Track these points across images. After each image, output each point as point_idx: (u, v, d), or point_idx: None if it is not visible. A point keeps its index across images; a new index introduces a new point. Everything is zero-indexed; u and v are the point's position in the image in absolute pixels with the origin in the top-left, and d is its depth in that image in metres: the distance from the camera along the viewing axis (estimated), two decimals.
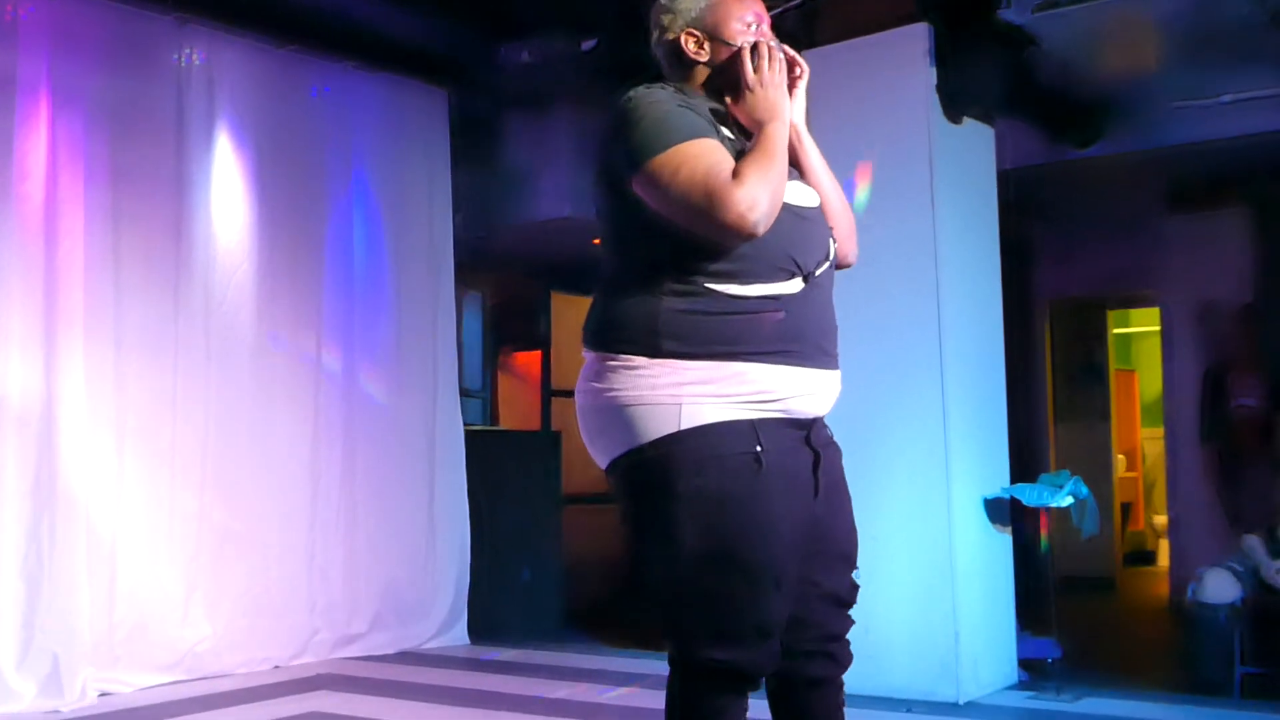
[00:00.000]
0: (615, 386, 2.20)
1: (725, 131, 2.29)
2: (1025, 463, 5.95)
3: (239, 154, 5.76)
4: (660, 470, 2.16)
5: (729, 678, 2.19)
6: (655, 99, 2.24)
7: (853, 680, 2.39)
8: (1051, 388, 8.60)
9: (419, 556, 6.30)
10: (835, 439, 2.37)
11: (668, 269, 2.19)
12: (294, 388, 5.89)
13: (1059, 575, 7.47)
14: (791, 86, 2.37)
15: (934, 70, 4.95)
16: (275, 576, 5.74)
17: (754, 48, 2.31)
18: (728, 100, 2.35)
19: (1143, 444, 10.49)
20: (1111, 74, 5.49)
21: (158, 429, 5.39)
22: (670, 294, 2.18)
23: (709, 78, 2.38)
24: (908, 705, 4.68)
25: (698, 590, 2.17)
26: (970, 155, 5.20)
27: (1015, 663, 5.16)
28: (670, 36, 2.41)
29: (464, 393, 7.39)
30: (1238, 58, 5.16)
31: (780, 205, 2.17)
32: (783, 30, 5.27)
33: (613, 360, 2.21)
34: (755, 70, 2.29)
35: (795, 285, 2.22)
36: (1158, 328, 8.19)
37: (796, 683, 2.33)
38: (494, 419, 8.59)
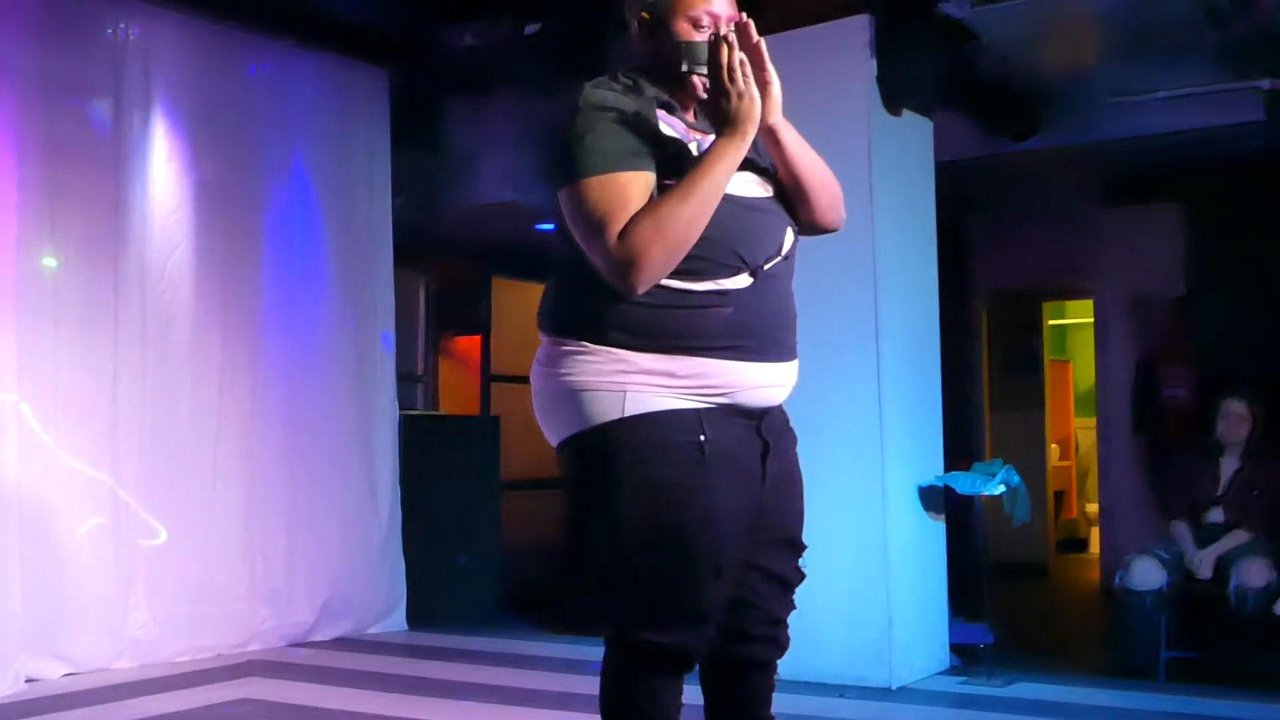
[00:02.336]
0: (565, 370, 2.21)
1: (667, 130, 2.25)
2: (960, 451, 6.02)
3: (176, 131, 5.67)
4: (604, 455, 2.18)
5: (665, 660, 2.21)
6: (596, 107, 2.18)
7: (786, 665, 2.42)
8: (987, 377, 8.71)
9: (358, 542, 6.26)
10: (791, 426, 2.38)
11: None
12: (231, 369, 5.81)
13: (992, 562, 7.60)
14: (764, 94, 2.23)
15: (874, 62, 4.98)
16: (216, 563, 5.67)
17: (714, 47, 2.19)
18: (698, 95, 2.28)
19: (1076, 433, 10.65)
20: (1049, 69, 5.56)
21: (96, 409, 5.30)
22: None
23: (653, 65, 2.32)
24: (840, 690, 4.73)
25: (637, 574, 2.19)
26: (909, 147, 5.24)
27: (947, 648, 5.23)
28: (629, 15, 2.37)
29: (405, 377, 7.35)
30: (1172, 55, 5.24)
31: (686, 244, 2.12)
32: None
33: (564, 345, 2.23)
34: (714, 78, 2.18)
35: (743, 280, 2.21)
36: (1092, 319, 8.32)
37: (735, 665, 2.35)
38: (435, 404, 8.55)
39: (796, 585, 2.39)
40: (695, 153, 2.25)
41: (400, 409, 6.63)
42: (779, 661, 2.40)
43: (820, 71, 5.04)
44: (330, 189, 6.29)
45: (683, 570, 2.17)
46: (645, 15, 2.33)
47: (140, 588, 5.38)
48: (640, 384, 2.17)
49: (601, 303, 2.18)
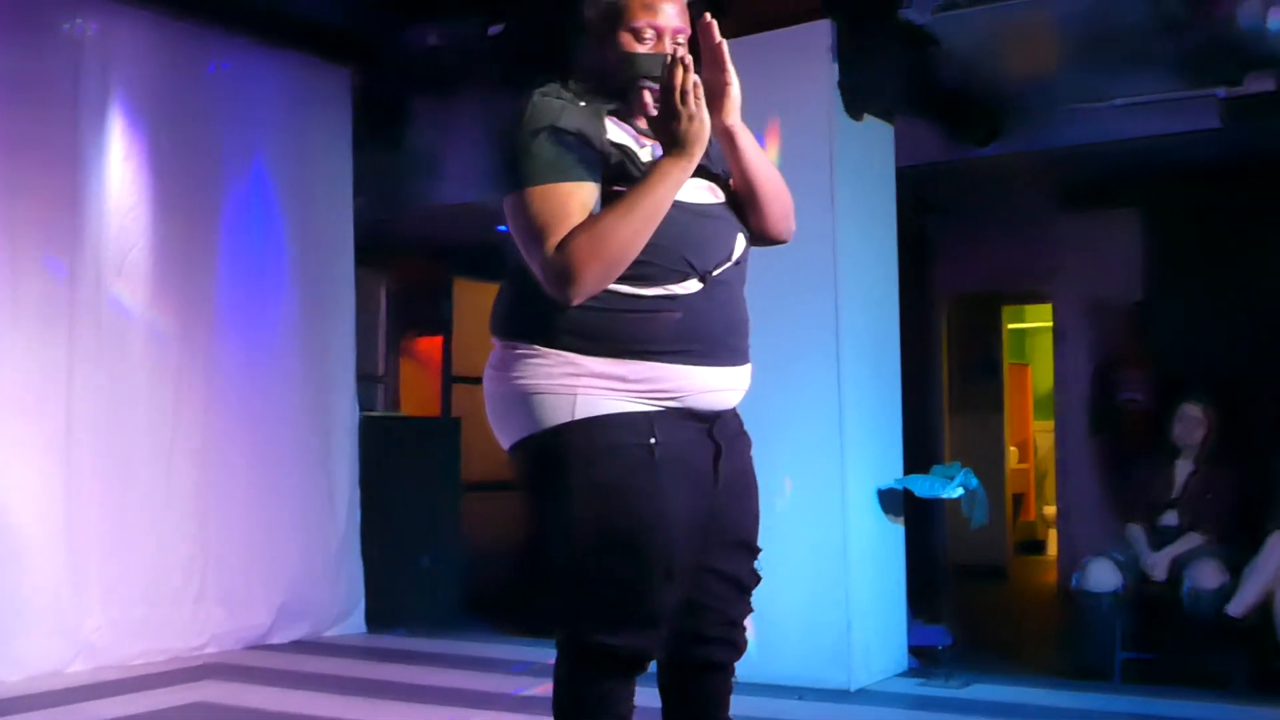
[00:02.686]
0: (517, 374, 2.22)
1: (617, 137, 2.25)
2: (920, 454, 6.05)
3: (134, 128, 5.61)
4: (555, 458, 2.20)
5: (617, 663, 2.21)
6: (543, 117, 2.19)
7: (745, 667, 2.42)
8: (947, 380, 8.76)
9: (316, 544, 6.22)
10: (745, 429, 2.39)
11: None
12: (189, 369, 5.77)
13: (951, 564, 7.65)
14: (723, 95, 2.26)
15: (836, 67, 5.01)
16: (172, 564, 5.62)
17: (669, 69, 2.14)
18: (645, 110, 2.28)
19: (1034, 436, 10.73)
20: (1008, 75, 5.60)
21: (51, 408, 5.24)
22: None
23: (601, 73, 2.30)
24: (799, 692, 4.74)
25: (589, 576, 2.20)
26: (870, 152, 5.27)
27: (906, 650, 5.26)
28: (584, 21, 2.35)
29: (366, 378, 7.31)
30: (1130, 62, 5.29)
31: (624, 260, 2.13)
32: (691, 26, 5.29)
33: (516, 349, 2.24)
34: (665, 99, 2.14)
35: (693, 285, 2.22)
36: (1050, 324, 8.38)
37: (692, 667, 2.36)
38: (396, 404, 8.51)
39: (753, 588, 2.40)
40: (647, 158, 2.26)
41: (360, 410, 6.59)
42: (737, 663, 2.41)
43: (782, 76, 5.07)
44: (291, 188, 6.25)
45: (635, 573, 2.18)
46: (593, 23, 2.31)
47: (95, 590, 5.32)
48: (590, 387, 2.18)
49: (552, 307, 2.17)
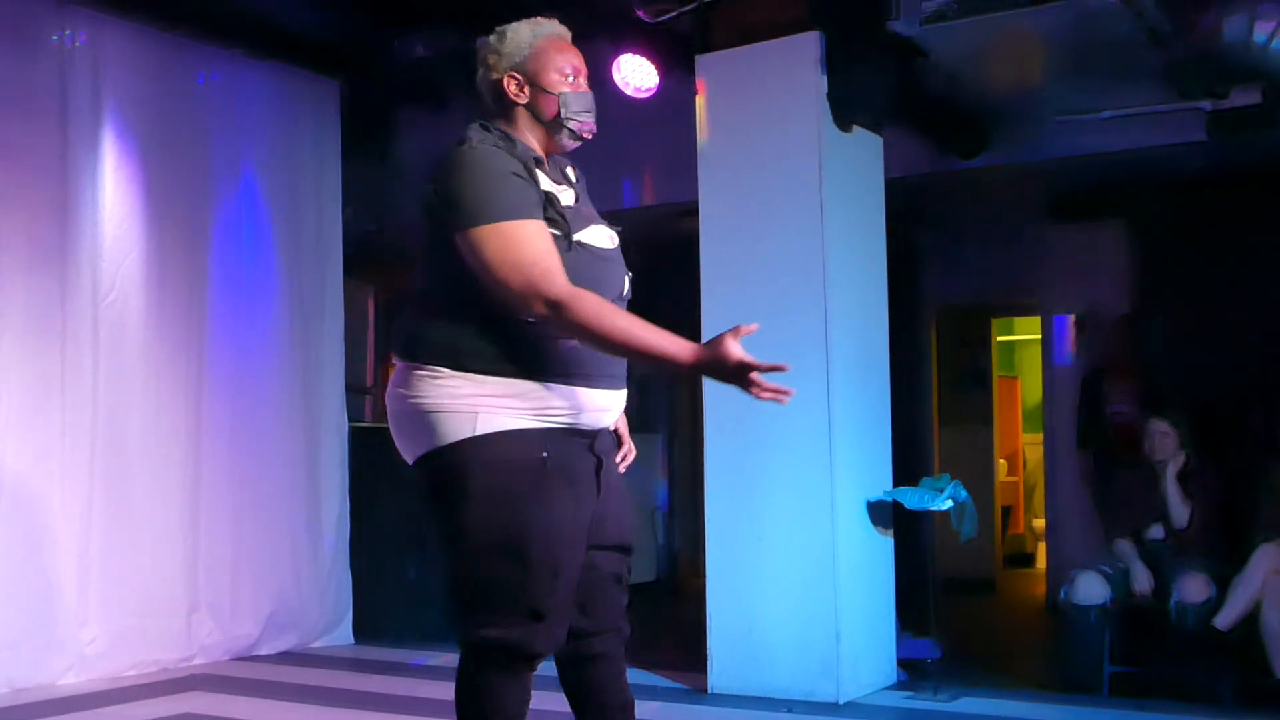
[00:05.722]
0: (419, 394, 2.46)
1: (544, 183, 2.48)
2: (909, 466, 6.05)
3: (124, 139, 5.61)
4: (458, 469, 2.44)
5: (504, 656, 2.41)
6: (490, 158, 2.43)
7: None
8: (936, 393, 8.75)
9: (304, 555, 6.21)
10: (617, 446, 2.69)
11: (475, 295, 2.42)
12: (180, 380, 5.77)
13: (940, 577, 7.64)
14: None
15: (825, 78, 5.02)
16: (161, 575, 5.61)
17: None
18: (569, 143, 2.62)
19: (1024, 449, 10.73)
20: (996, 87, 5.61)
21: (45, 420, 5.24)
22: (474, 316, 2.43)
23: (527, 119, 2.57)
24: (788, 705, 4.72)
25: (480, 576, 2.44)
26: (859, 163, 5.28)
27: (895, 663, 5.25)
28: (494, 76, 2.62)
29: (355, 389, 7.29)
30: (1117, 74, 5.31)
31: (599, 336, 2.36)
32: (676, 34, 5.33)
33: (419, 370, 2.47)
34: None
35: None
36: (1039, 335, 8.39)
37: (587, 659, 2.61)
38: (384, 416, 8.47)
39: (627, 582, 2.67)
40: (566, 202, 2.52)
41: (349, 421, 6.59)
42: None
43: (771, 87, 5.08)
44: (280, 199, 6.25)
45: (520, 572, 2.39)
46: (515, 75, 2.59)
47: (91, 602, 5.31)
48: (490, 405, 2.41)
49: (457, 331, 2.42)
